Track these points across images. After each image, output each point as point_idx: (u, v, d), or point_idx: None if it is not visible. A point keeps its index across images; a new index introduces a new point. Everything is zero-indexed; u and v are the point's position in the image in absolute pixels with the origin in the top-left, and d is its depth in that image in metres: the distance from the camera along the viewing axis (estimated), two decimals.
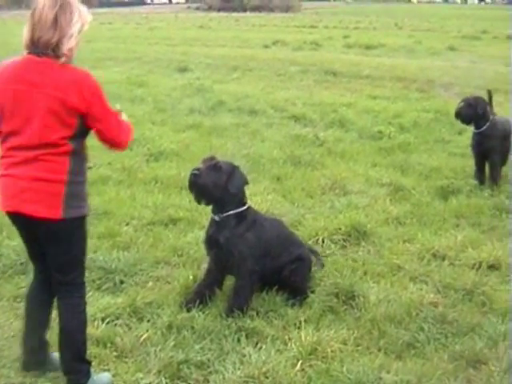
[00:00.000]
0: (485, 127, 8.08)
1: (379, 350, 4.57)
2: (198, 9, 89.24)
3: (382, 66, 20.27)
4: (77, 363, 4.01)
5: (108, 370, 4.28)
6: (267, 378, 4.18)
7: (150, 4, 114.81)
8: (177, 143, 10.01)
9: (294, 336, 4.65)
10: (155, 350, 4.45)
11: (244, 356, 4.41)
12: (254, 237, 5.10)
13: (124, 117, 4.03)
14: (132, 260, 5.85)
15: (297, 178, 8.51)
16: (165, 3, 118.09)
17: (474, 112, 8.07)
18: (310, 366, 4.36)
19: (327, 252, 6.16)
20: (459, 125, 9.14)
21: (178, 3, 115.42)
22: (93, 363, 4.19)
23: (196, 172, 4.95)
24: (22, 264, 5.61)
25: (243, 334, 4.69)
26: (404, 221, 7.05)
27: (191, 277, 5.41)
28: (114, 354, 4.47)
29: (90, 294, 5.17)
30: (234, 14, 67.11)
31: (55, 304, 4.08)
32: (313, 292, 5.25)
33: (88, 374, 4.03)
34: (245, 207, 5.16)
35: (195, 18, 59.86)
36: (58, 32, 3.59)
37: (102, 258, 5.79)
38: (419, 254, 6.17)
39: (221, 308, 5.01)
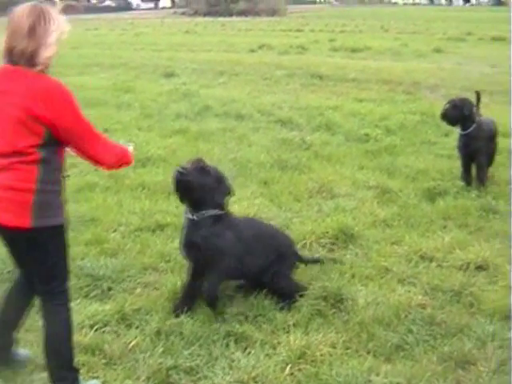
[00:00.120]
0: (471, 129, 8.10)
1: (368, 353, 4.57)
2: (183, 14, 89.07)
3: (368, 69, 20.29)
4: (63, 371, 3.99)
5: (97, 378, 4.27)
6: (256, 382, 4.19)
7: (136, 9, 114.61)
8: (164, 149, 9.99)
9: (282, 340, 4.66)
10: (144, 357, 4.44)
11: (233, 361, 4.41)
12: (232, 235, 5.13)
13: (130, 149, 4.16)
14: (120, 266, 5.84)
15: (284, 181, 8.51)
16: (151, 8, 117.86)
17: (460, 114, 8.09)
18: (299, 369, 4.36)
19: (315, 255, 6.16)
20: (445, 126, 9.17)
21: (163, 8, 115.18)
22: (81, 371, 4.18)
23: (182, 170, 4.95)
24: (8, 272, 5.57)
25: (232, 339, 4.70)
26: (391, 223, 7.06)
27: (179, 282, 5.40)
28: (103, 361, 4.46)
29: (78, 301, 5.17)
30: (220, 19, 66.99)
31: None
32: (301, 296, 5.25)
33: (76, 382, 4.01)
34: (223, 212, 5.19)
35: (181, 23, 59.73)
36: (35, 41, 3.59)
37: (89, 265, 5.78)
38: (407, 256, 6.18)
39: (209, 313, 5.00)
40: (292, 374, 4.33)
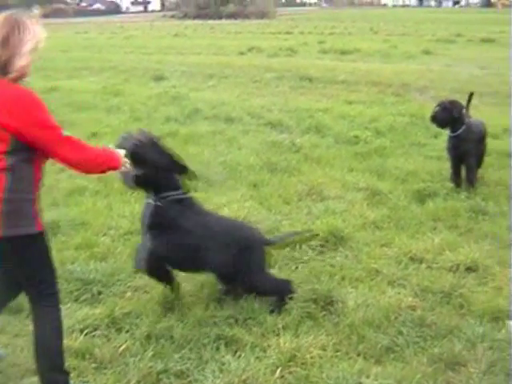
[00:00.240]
0: (460, 130, 8.11)
1: (358, 355, 4.57)
2: (173, 17, 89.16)
3: (357, 71, 20.33)
4: (53, 374, 3.97)
5: (87, 382, 4.26)
6: None
7: (125, 13, 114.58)
8: None
9: (272, 343, 4.65)
10: (134, 361, 4.43)
11: (223, 364, 4.40)
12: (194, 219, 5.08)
13: (121, 153, 4.19)
14: (110, 270, 5.82)
15: (273, 184, 8.51)
16: (140, 11, 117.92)
17: (449, 116, 8.10)
18: (290, 372, 4.35)
19: (305, 258, 6.17)
20: (435, 128, 9.18)
21: (153, 11, 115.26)
22: (72, 375, 4.17)
23: (137, 142, 4.80)
24: None
25: (222, 342, 4.69)
26: (381, 225, 7.07)
27: (169, 286, 5.39)
28: (93, 365, 4.44)
29: (68, 305, 5.16)
30: (210, 22, 67.12)
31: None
32: (291, 298, 5.24)
33: None
34: (187, 195, 5.13)
35: (170, 26, 59.78)
36: (8, 50, 3.59)
37: (79, 269, 5.76)
38: (397, 257, 6.19)
39: (199, 317, 5.00)
40: (282, 376, 4.32)
